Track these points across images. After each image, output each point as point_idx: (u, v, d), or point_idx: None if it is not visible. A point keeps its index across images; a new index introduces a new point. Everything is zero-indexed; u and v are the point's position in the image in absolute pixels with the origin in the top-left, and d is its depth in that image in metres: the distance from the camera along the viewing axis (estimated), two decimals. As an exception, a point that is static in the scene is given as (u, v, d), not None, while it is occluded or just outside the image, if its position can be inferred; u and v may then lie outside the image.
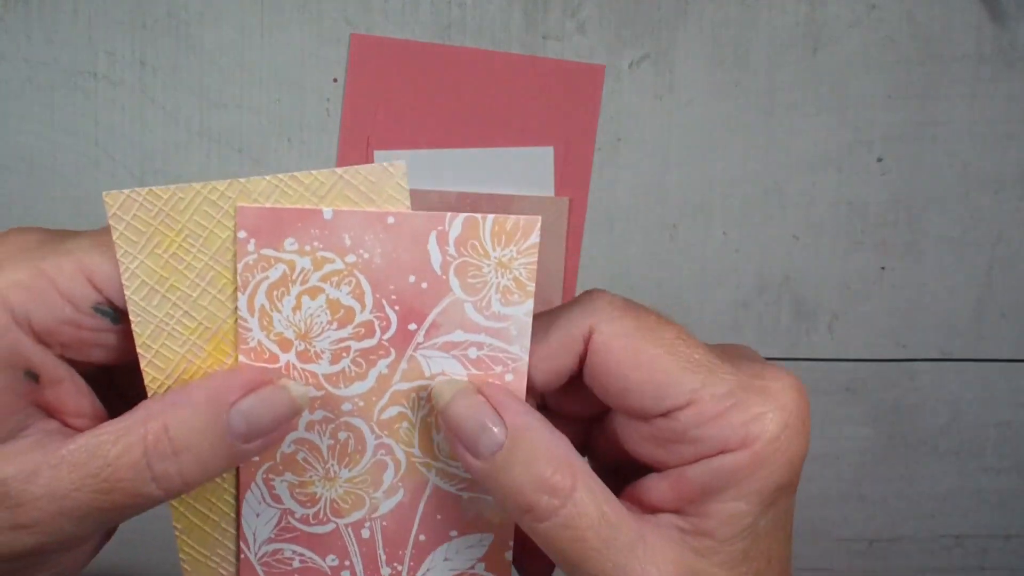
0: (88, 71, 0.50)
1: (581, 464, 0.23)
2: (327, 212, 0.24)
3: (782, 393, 0.24)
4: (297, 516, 0.27)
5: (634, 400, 0.24)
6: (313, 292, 0.25)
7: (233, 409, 0.23)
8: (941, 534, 0.57)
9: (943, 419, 0.56)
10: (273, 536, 0.27)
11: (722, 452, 0.24)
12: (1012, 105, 0.53)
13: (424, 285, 0.25)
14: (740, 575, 0.24)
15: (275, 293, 0.24)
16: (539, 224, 0.25)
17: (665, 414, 0.24)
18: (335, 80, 0.51)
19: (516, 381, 0.25)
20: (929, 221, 0.54)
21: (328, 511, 0.27)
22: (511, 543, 0.27)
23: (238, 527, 0.27)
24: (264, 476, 0.26)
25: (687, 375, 0.24)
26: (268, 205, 0.24)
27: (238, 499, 0.26)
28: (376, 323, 0.25)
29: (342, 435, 0.26)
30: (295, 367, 0.25)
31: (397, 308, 0.25)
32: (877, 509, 0.56)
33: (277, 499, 0.27)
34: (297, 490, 0.26)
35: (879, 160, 0.53)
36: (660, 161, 0.53)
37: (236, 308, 0.25)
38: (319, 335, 0.25)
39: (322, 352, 0.25)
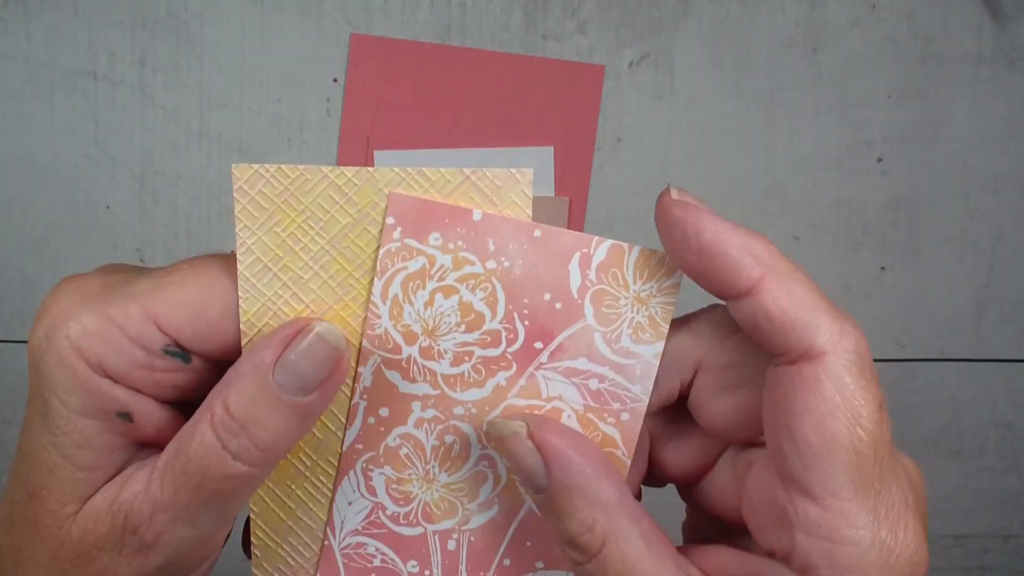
0: (88, 71, 0.50)
1: (622, 523, 0.22)
2: (477, 214, 0.24)
3: (903, 557, 0.21)
4: (388, 513, 0.26)
5: (777, 455, 0.22)
6: (448, 291, 0.24)
7: (276, 368, 0.23)
8: (941, 534, 0.57)
9: (943, 419, 0.56)
10: (360, 528, 0.27)
11: (814, 569, 0.21)
12: (1012, 105, 0.53)
13: (558, 305, 0.24)
14: None
15: (411, 285, 0.24)
16: None
17: (791, 491, 0.22)
18: (335, 80, 0.51)
19: (632, 421, 0.25)
20: (929, 221, 0.54)
21: (420, 514, 0.26)
22: None
23: (329, 512, 0.26)
24: (364, 465, 0.26)
25: (839, 473, 0.21)
26: (422, 196, 0.24)
27: (335, 484, 0.26)
28: (503, 334, 0.24)
29: (448, 438, 0.25)
30: (416, 361, 0.25)
31: (527, 323, 0.24)
32: (877, 509, 0.56)
33: (372, 491, 0.26)
34: (394, 486, 0.26)
35: (879, 160, 0.53)
36: (660, 161, 0.53)
37: (343, 296, 0.24)
38: (445, 335, 0.25)
39: (445, 352, 0.25)
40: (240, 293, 0.24)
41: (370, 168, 0.24)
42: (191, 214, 0.51)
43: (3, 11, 0.49)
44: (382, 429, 0.25)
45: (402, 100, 0.51)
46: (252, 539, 0.26)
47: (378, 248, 0.24)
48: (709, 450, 0.26)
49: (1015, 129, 0.53)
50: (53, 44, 0.50)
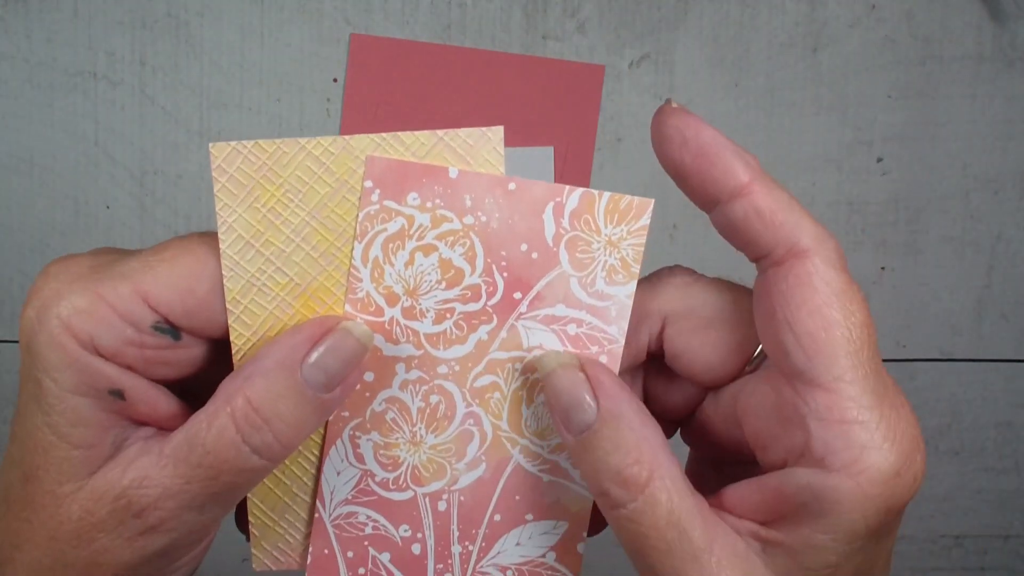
0: (88, 71, 0.50)
1: (664, 461, 0.23)
2: (452, 171, 0.24)
3: (907, 434, 0.22)
4: (377, 479, 0.26)
5: (779, 352, 0.23)
6: (427, 249, 0.25)
7: (304, 365, 0.23)
8: (941, 534, 0.57)
9: (943, 419, 0.56)
10: (350, 498, 0.27)
11: (825, 469, 0.22)
12: (1012, 105, 0.53)
13: (534, 255, 0.25)
14: None
15: (391, 246, 0.25)
16: (652, 206, 0.25)
17: (797, 386, 0.22)
18: (335, 80, 0.51)
19: (609, 363, 0.25)
20: (929, 221, 0.54)
21: (408, 478, 0.26)
22: (585, 534, 0.27)
23: (316, 484, 0.26)
24: (351, 433, 0.26)
25: (841, 357, 0.22)
26: (396, 159, 0.24)
27: (321, 454, 0.26)
28: (483, 287, 0.25)
29: (433, 398, 0.26)
30: (398, 323, 0.25)
31: (506, 275, 0.25)
32: (877, 509, 0.56)
33: (360, 459, 0.26)
34: (381, 451, 0.26)
35: (879, 160, 0.53)
36: (660, 161, 0.53)
37: (326, 266, 0.25)
38: (427, 293, 0.25)
39: (427, 311, 0.25)
40: (224, 272, 0.24)
41: (346, 136, 0.24)
42: (191, 214, 0.51)
43: (3, 11, 0.49)
44: (367, 394, 0.26)
45: (402, 100, 0.51)
46: (249, 518, 0.26)
47: (357, 214, 0.24)
48: (693, 396, 0.27)
49: (1015, 129, 0.53)
50: (53, 44, 0.50)
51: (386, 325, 0.25)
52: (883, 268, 0.54)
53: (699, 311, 0.25)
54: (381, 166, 0.24)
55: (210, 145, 0.24)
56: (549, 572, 0.27)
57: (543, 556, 0.27)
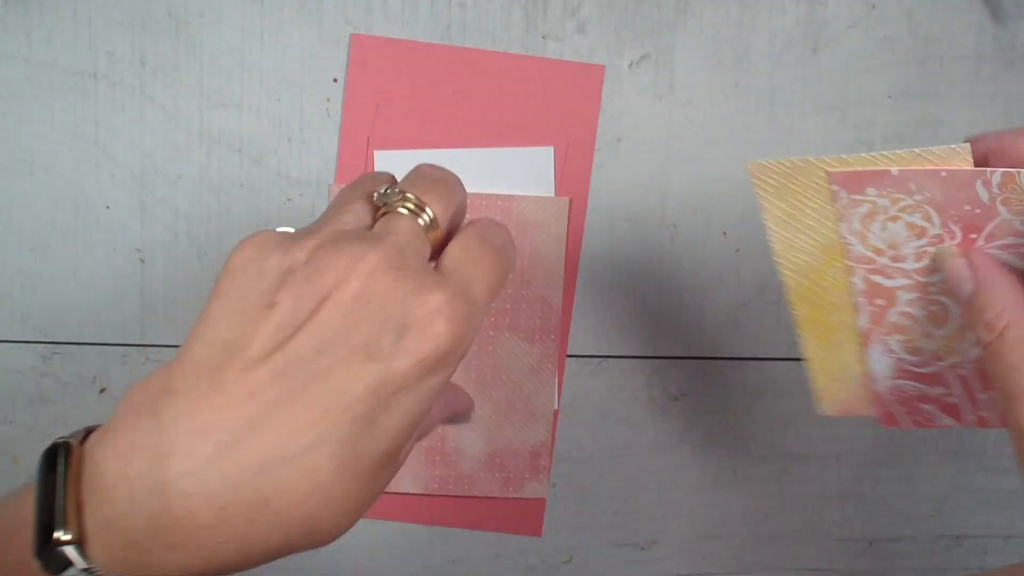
0: (88, 71, 0.50)
1: (1020, 312, 0.32)
2: (894, 171, 0.33)
3: None
4: (908, 362, 0.38)
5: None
6: (893, 218, 0.35)
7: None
8: (941, 534, 0.57)
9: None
10: (891, 376, 0.39)
11: None
12: (1012, 105, 0.53)
13: (978, 211, 0.33)
14: None
15: (865, 221, 0.35)
16: None
17: None
18: (335, 80, 0.51)
19: None
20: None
21: (931, 357, 0.37)
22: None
23: (865, 370, 0.39)
24: (879, 337, 0.38)
25: None
26: (850, 170, 0.34)
27: (864, 352, 0.38)
28: (944, 235, 0.34)
29: (932, 307, 0.36)
30: (888, 266, 0.36)
31: (959, 225, 0.34)
32: (877, 509, 0.56)
33: (891, 352, 0.38)
34: (906, 345, 0.37)
35: (879, 160, 0.53)
36: (660, 161, 0.53)
37: (840, 233, 0.36)
38: (903, 244, 0.35)
39: (907, 255, 0.35)
40: (772, 240, 0.36)
41: (844, 155, 0.34)
42: (191, 214, 0.51)
43: (3, 11, 0.49)
44: (883, 313, 0.37)
45: (402, 100, 0.51)
46: (819, 388, 0.40)
47: (832, 207, 0.35)
48: None
49: (1015, 129, 0.53)
50: (53, 44, 0.50)
51: (881, 269, 0.36)
52: (883, 268, 0.54)
53: None
54: (840, 176, 0.34)
55: (749, 163, 0.35)
56: None
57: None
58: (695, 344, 0.54)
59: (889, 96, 0.53)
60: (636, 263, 0.53)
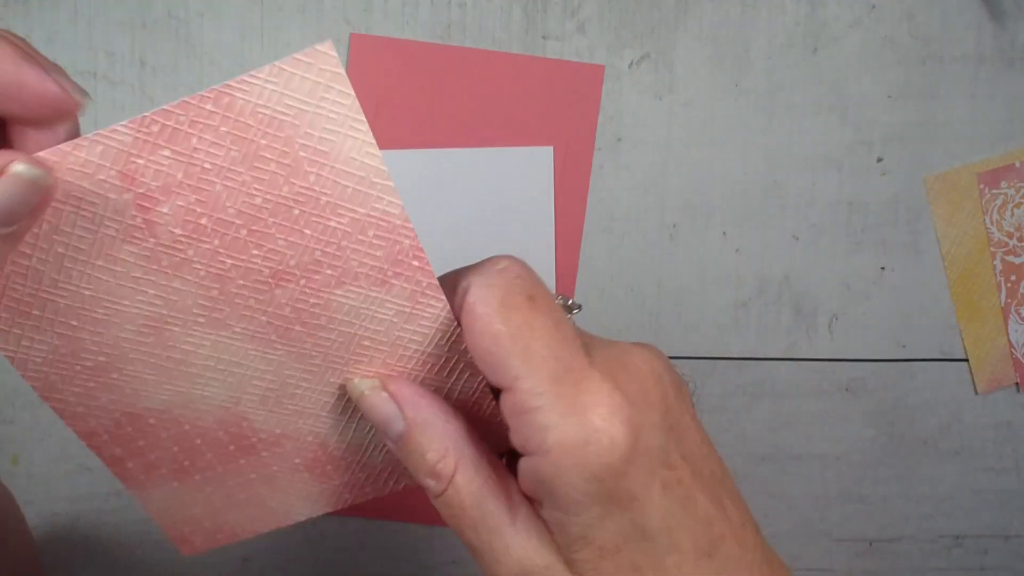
0: (88, 71, 0.50)
1: (467, 452, 0.27)
2: (1017, 164, 0.42)
3: (592, 403, 0.24)
4: None
5: (484, 368, 0.26)
6: (1019, 204, 0.43)
7: None
8: (941, 534, 0.57)
9: (943, 419, 0.56)
10: None
11: (530, 455, 0.25)
12: (1012, 105, 0.53)
13: None
14: None
15: (1001, 211, 0.43)
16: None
17: (499, 391, 0.26)
18: (335, 80, 0.51)
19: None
20: (929, 221, 0.54)
21: None
22: None
23: (1008, 340, 0.47)
24: (1015, 309, 0.45)
25: (512, 359, 0.25)
26: (988, 169, 0.42)
27: (1005, 325, 0.46)
28: None
29: None
30: (1018, 246, 0.44)
31: None
32: (877, 509, 0.56)
33: None
34: None
35: (879, 160, 0.53)
36: (660, 161, 0.53)
37: (985, 225, 0.45)
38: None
39: None
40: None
41: None
42: (191, 214, 0.51)
43: (3, 11, 0.49)
44: (1015, 288, 0.45)
45: (402, 100, 0.51)
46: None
47: None
48: None
49: (1015, 129, 0.53)
50: (53, 44, 0.50)
51: (1012, 249, 0.45)
52: (883, 268, 0.54)
53: (487, 310, 0.28)
54: (984, 175, 0.43)
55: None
56: None
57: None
58: (695, 344, 0.54)
59: (889, 96, 0.53)
60: (636, 263, 0.53)
